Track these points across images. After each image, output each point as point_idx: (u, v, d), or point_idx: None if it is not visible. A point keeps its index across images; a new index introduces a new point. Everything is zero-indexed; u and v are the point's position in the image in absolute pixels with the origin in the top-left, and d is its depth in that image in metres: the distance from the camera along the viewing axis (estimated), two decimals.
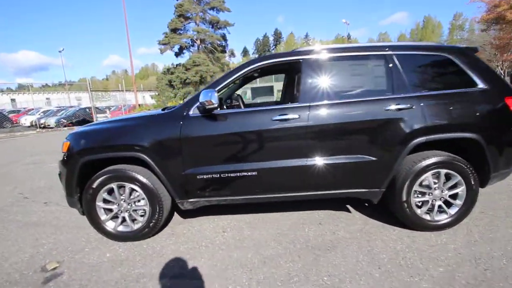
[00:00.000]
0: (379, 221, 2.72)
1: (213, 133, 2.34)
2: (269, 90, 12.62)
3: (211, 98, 2.21)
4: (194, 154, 2.36)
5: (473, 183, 2.39)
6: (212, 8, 22.77)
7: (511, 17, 16.24)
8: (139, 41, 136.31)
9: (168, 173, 2.39)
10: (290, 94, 3.76)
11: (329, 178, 2.42)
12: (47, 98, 38.63)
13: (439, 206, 2.46)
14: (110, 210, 2.49)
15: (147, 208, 2.45)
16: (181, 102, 20.50)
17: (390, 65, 2.40)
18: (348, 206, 3.09)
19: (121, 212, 2.48)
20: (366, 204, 3.11)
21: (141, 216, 2.51)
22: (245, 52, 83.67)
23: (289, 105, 2.38)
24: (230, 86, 2.51)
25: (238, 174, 2.36)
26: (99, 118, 19.54)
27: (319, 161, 2.36)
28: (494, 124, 2.38)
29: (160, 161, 2.36)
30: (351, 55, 2.45)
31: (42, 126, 18.18)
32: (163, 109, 2.72)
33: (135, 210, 2.49)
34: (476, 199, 2.45)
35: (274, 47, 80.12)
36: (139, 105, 21.22)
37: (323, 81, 2.39)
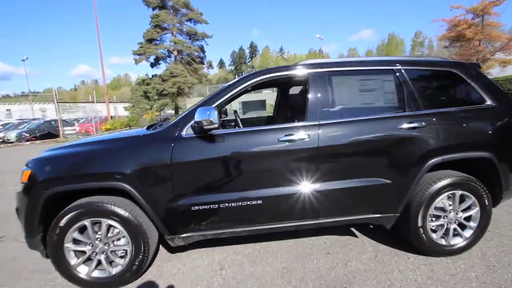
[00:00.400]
0: (389, 246, 2.51)
1: (211, 157, 2.01)
2: (261, 104, 12.08)
3: (210, 116, 1.89)
4: (188, 182, 2.01)
5: (487, 203, 2.28)
6: (190, 20, 22.49)
7: (470, 35, 17.63)
8: (111, 50, 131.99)
9: (156, 205, 2.01)
10: (283, 109, 3.55)
11: (341, 204, 2.18)
12: (7, 110, 35.47)
13: (454, 230, 2.31)
14: (82, 252, 2.03)
15: (128, 248, 2.03)
16: (157, 114, 19.78)
17: (401, 80, 2.25)
18: (353, 229, 2.86)
19: (96, 254, 2.03)
20: (371, 226, 2.91)
21: (121, 257, 2.07)
22: (221, 64, 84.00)
23: (297, 123, 2.13)
24: (230, 101, 2.20)
25: (240, 203, 2.04)
26: (66, 131, 18.13)
27: (330, 185, 2.12)
28: (505, 142, 2.30)
29: (146, 191, 1.98)
30: (361, 70, 2.27)
31: (0, 140, 16.46)
32: (148, 128, 2.35)
33: (113, 251, 2.05)
34: (489, 220, 2.34)
35: (250, 59, 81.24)
36: (111, 117, 20.06)
37: (333, 97, 2.18)
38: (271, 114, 3.89)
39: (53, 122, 18.37)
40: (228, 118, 3.73)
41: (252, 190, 2.05)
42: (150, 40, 21.43)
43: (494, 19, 17.43)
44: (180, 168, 1.98)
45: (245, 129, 2.13)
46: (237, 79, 2.29)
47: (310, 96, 2.16)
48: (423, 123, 2.17)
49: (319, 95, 2.16)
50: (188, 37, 22.92)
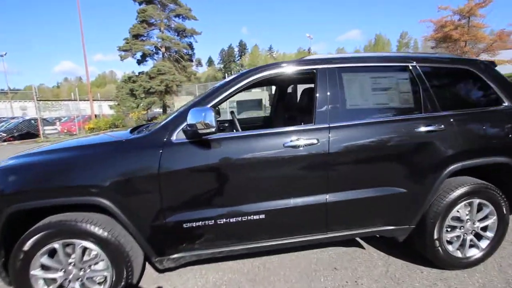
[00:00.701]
0: (399, 258, 2.31)
1: (206, 166, 1.73)
2: (257, 104, 11.43)
3: (206, 118, 1.61)
4: (180, 195, 1.73)
5: (505, 212, 2.13)
6: (178, 16, 21.84)
7: (456, 37, 17.95)
8: (95, 47, 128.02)
9: (141, 222, 1.71)
10: (282, 108, 3.30)
11: (352, 216, 1.96)
12: None
13: (470, 240, 2.14)
14: (53, 280, 1.71)
15: (108, 273, 1.72)
16: (144, 112, 19.12)
17: (417, 78, 2.04)
18: (358, 239, 2.65)
19: (70, 281, 1.71)
20: (377, 235, 2.70)
21: (100, 284, 1.77)
22: (210, 62, 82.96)
23: (303, 126, 1.88)
24: (226, 100, 1.92)
25: (240, 218, 1.78)
26: (47, 131, 17.24)
27: (341, 196, 1.89)
28: None
29: (129, 206, 1.68)
30: (373, 66, 2.04)
31: None
32: (132, 130, 2.04)
33: (90, 278, 1.74)
34: (507, 229, 2.18)
35: (239, 58, 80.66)
36: (95, 115, 19.23)
37: (343, 97, 1.94)
38: (268, 115, 3.63)
39: (32, 121, 17.39)
40: (221, 118, 3.45)
41: (254, 203, 1.79)
42: (136, 36, 20.67)
43: (479, 20, 17.83)
44: (170, 179, 1.69)
45: (245, 133, 1.85)
46: (235, 75, 2.01)
47: (318, 95, 1.91)
48: (442, 126, 1.96)
49: (328, 93, 1.91)
50: (177, 34, 22.29)
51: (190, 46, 22.87)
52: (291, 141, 1.79)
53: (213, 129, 1.63)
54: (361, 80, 2.03)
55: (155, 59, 21.92)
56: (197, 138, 1.73)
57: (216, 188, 1.76)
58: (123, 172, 1.67)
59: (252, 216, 1.78)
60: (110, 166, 1.66)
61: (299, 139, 1.80)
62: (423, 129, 1.94)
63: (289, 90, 3.22)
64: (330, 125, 1.86)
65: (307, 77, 2.15)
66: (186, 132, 1.75)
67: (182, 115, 1.77)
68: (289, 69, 1.98)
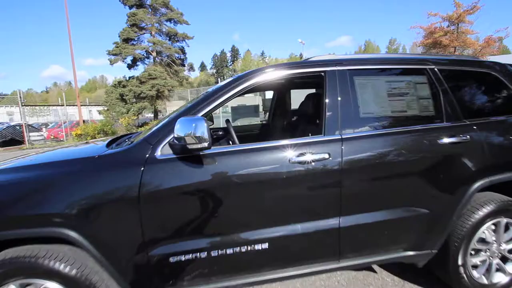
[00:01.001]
0: (416, 284, 2.06)
1: (198, 186, 1.45)
2: (254, 110, 10.86)
3: (198, 131, 1.32)
4: (166, 222, 1.43)
5: None
6: (170, 20, 21.49)
7: (446, 42, 18.21)
8: (86, 51, 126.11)
9: (119, 257, 1.40)
10: (281, 115, 3.04)
11: (369, 242, 1.70)
12: None
13: (496, 264, 1.90)
14: None
15: None
16: (134, 118, 18.63)
17: (436, 83, 1.81)
18: None
19: None
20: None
21: None
22: (203, 66, 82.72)
23: (311, 138, 1.61)
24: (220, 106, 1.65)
25: (239, 249, 1.49)
26: (33, 137, 16.55)
27: (356, 219, 1.62)
28: None
29: (102, 238, 1.37)
30: (388, 69, 1.81)
31: None
32: (109, 143, 1.73)
33: None
34: None
35: (231, 63, 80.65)
36: (83, 121, 18.62)
37: (356, 103, 1.69)
38: (265, 122, 3.36)
39: (18, 127, 16.67)
40: (214, 126, 3.16)
41: (255, 231, 1.51)
42: (126, 40, 20.21)
43: (468, 26, 18.16)
44: (154, 204, 1.40)
45: (244, 147, 1.57)
46: (231, 78, 1.74)
47: (327, 101, 1.66)
48: (468, 137, 1.73)
49: (339, 99, 1.66)
50: (168, 38, 21.93)
51: (182, 50, 22.54)
52: (298, 155, 1.52)
53: (206, 144, 1.35)
54: (375, 84, 1.79)
55: (146, 64, 21.47)
56: (186, 154, 1.44)
57: (210, 213, 1.47)
58: (95, 196, 1.36)
59: (253, 246, 1.49)
60: (78, 189, 1.36)
61: (307, 154, 1.53)
62: (446, 140, 1.71)
63: (289, 95, 2.97)
64: (343, 136, 1.60)
65: (312, 81, 1.90)
66: (173, 147, 1.46)
67: (168, 126, 1.49)
68: (293, 72, 1.72)
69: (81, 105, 19.11)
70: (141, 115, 21.57)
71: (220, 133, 2.94)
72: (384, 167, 1.63)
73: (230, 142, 1.92)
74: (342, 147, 1.57)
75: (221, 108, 2.14)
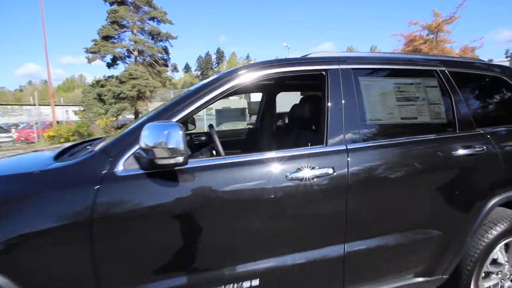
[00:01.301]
0: None
1: (171, 210, 1.13)
2: (240, 114, 10.22)
3: (171, 140, 1.02)
4: (127, 257, 1.10)
5: None
6: (153, 19, 20.82)
7: (426, 50, 18.85)
8: (64, 48, 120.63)
9: None
10: (271, 120, 2.78)
11: (376, 268, 1.46)
12: None
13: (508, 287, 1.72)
14: None
15: None
16: (113, 119, 17.83)
17: (447, 87, 1.61)
18: None
19: None
20: None
21: None
22: (187, 68, 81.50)
23: (311, 149, 1.34)
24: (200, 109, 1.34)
25: (223, 287, 1.18)
26: (1, 138, 15.36)
27: (363, 244, 1.37)
28: None
29: (39, 281, 1.03)
30: (396, 69, 1.58)
31: None
32: (58, 155, 1.37)
33: None
34: None
35: (216, 65, 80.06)
36: (57, 122, 17.52)
37: (363, 108, 1.44)
38: (252, 126, 3.08)
39: None
40: (196, 130, 2.83)
41: (244, 264, 1.21)
42: (106, 38, 19.35)
43: (446, 36, 18.92)
44: (111, 235, 1.07)
45: (232, 159, 1.26)
46: (216, 75, 1.44)
47: (330, 104, 1.40)
48: (484, 148, 1.53)
49: (343, 102, 1.41)
50: (151, 37, 21.24)
51: (165, 50, 21.92)
52: (296, 170, 1.25)
53: (181, 159, 1.04)
54: (383, 86, 1.56)
55: (127, 63, 20.66)
56: (158, 169, 1.13)
57: (186, 244, 1.15)
58: (30, 225, 1.01)
59: (241, 284, 1.19)
60: (5, 219, 1.01)
61: (307, 168, 1.26)
62: (461, 152, 1.50)
63: (278, 97, 2.71)
64: (348, 147, 1.35)
65: (308, 83, 1.64)
66: (140, 160, 1.14)
67: (133, 133, 1.17)
68: (290, 70, 1.45)
69: (56, 105, 18.02)
70: (122, 116, 20.67)
71: (203, 138, 2.62)
72: (396, 184, 1.39)
73: (214, 152, 1.62)
74: (348, 160, 1.32)
75: (205, 110, 1.80)
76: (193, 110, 1.24)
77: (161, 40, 21.52)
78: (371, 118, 1.47)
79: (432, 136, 1.52)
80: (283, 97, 2.80)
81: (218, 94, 1.28)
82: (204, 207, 1.17)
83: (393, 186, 1.39)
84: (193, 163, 1.19)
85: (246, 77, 1.35)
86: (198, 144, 2.49)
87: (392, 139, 1.46)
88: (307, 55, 1.57)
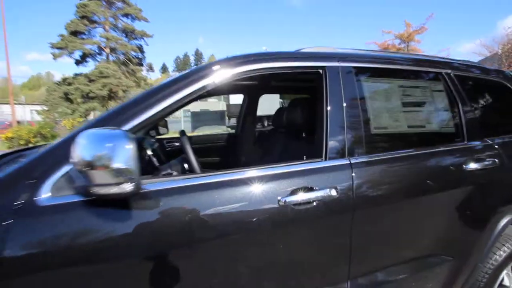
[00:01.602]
0: None
1: (120, 250, 0.80)
2: (219, 117, 9.32)
3: (117, 157, 0.69)
4: None
5: None
6: (126, 15, 19.82)
7: None
8: (30, 44, 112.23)
9: None
10: (251, 123, 2.50)
11: None
12: None
13: None
14: None
15: None
16: (81, 120, 16.64)
17: (454, 91, 1.42)
18: None
19: None
20: None
21: None
22: (164, 69, 79.26)
23: (308, 165, 1.07)
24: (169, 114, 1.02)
25: None
26: None
27: (368, 281, 1.12)
28: None
29: None
30: (401, 70, 1.36)
31: None
32: None
33: None
34: None
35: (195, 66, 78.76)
36: (18, 122, 16.00)
37: (366, 115, 1.20)
38: (233, 131, 2.77)
39: None
40: (169, 136, 2.45)
41: None
42: (74, 33, 18.10)
43: (416, 45, 19.93)
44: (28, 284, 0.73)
45: (209, 179, 0.93)
46: (184, 72, 1.12)
47: (329, 109, 1.14)
48: (497, 161, 1.36)
49: (344, 106, 1.15)
50: (125, 35, 20.22)
51: (140, 49, 20.99)
52: (291, 193, 0.97)
53: (129, 186, 0.72)
54: (387, 90, 1.34)
55: (98, 61, 19.48)
56: (100, 196, 0.79)
57: None
58: None
59: None
60: None
61: (304, 189, 0.98)
62: (473, 166, 1.31)
63: (262, 99, 2.44)
64: (352, 161, 1.10)
65: (299, 84, 1.38)
66: (75, 185, 0.80)
67: (62, 146, 0.83)
68: (279, 65, 1.17)
69: (17, 104, 16.48)
70: (91, 117, 19.38)
71: (177, 144, 2.26)
72: (407, 205, 1.16)
73: (186, 165, 1.30)
74: (353, 176, 1.06)
75: (182, 110, 1.46)
76: (151, 116, 0.90)
77: (135, 38, 20.58)
78: (376, 126, 1.23)
79: (443, 148, 1.32)
80: (266, 100, 2.54)
81: (185, 96, 0.96)
82: (167, 245, 0.85)
83: (403, 207, 1.16)
84: (155, 185, 0.88)
85: (223, 74, 1.05)
86: (171, 151, 2.14)
87: (400, 151, 1.23)
88: (300, 49, 1.31)
